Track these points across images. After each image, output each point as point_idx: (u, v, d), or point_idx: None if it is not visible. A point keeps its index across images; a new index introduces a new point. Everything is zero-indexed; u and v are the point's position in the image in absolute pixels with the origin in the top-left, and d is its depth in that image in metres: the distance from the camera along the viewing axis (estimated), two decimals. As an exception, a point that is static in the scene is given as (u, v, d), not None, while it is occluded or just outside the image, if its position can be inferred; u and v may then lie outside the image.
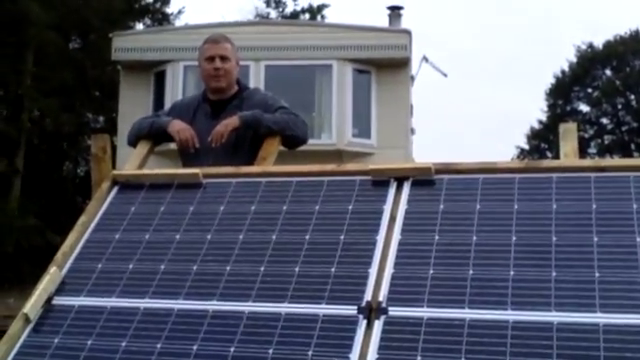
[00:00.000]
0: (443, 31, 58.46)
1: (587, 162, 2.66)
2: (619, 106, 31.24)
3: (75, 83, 18.47)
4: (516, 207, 2.43)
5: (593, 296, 2.08)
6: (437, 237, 2.38)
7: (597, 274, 2.14)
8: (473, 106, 55.87)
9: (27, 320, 2.39)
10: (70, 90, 18.34)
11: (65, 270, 2.58)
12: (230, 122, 3.37)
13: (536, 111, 44.70)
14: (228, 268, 2.44)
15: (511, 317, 2.07)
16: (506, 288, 2.15)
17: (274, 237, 2.52)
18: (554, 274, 2.17)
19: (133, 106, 11.66)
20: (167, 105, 8.32)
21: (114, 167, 3.08)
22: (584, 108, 31.95)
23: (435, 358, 2.00)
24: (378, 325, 2.12)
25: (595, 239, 2.25)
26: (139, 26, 21.83)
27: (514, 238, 2.32)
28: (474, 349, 2.00)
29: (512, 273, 2.20)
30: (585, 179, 2.49)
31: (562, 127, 2.91)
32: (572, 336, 1.98)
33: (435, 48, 56.69)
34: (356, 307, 2.19)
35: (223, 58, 3.53)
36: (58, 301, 2.46)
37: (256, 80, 11.32)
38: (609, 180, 2.46)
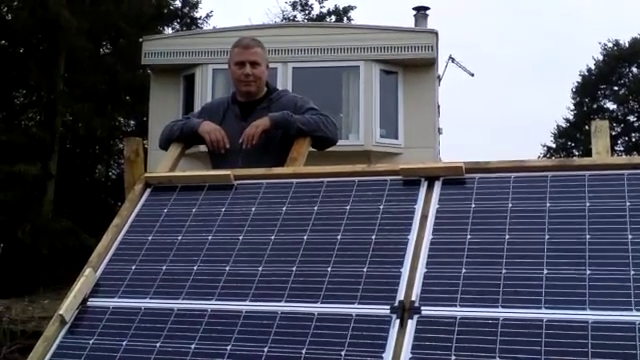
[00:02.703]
0: (469, 31, 58.05)
1: (620, 159, 2.62)
2: (646, 103, 30.79)
3: (106, 87, 18.69)
4: (549, 205, 2.41)
5: (628, 294, 2.05)
6: (469, 236, 2.37)
7: (632, 272, 2.11)
8: (499, 105, 55.52)
9: (63, 321, 2.42)
10: (102, 94, 18.55)
11: (99, 272, 2.61)
12: (260, 123, 3.39)
13: (562, 109, 44.25)
14: (260, 269, 2.45)
15: (545, 316, 2.05)
16: (540, 287, 2.13)
17: (306, 237, 2.52)
18: (588, 272, 2.14)
19: (163, 109, 11.79)
20: (197, 108, 8.39)
21: (146, 170, 3.11)
22: (611, 106, 31.61)
23: (469, 357, 1.99)
24: (411, 325, 2.12)
25: (630, 237, 2.22)
26: (168, 30, 22.00)
27: (547, 236, 2.30)
28: (508, 348, 1.98)
29: (546, 271, 2.18)
30: (618, 177, 2.46)
31: (594, 124, 2.87)
32: (607, 335, 1.96)
33: (461, 48, 56.38)
34: (389, 307, 2.18)
35: (253, 64, 3.54)
36: (93, 302, 2.49)
37: (284, 82, 11.37)
38: (643, 177, 2.43)
